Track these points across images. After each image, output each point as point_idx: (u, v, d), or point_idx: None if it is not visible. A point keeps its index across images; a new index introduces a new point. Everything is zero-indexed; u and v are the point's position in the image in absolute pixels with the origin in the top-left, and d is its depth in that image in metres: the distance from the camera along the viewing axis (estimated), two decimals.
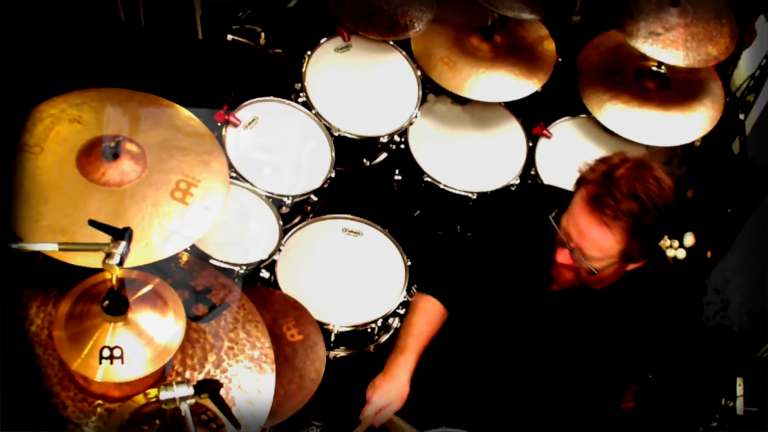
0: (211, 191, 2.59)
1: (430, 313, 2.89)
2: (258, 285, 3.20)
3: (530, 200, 3.05)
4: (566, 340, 2.68)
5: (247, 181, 3.32)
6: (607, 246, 2.48)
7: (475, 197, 3.60)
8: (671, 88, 3.75)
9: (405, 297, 3.30)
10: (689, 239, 3.88)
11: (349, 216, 3.50)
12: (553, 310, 2.73)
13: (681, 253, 3.85)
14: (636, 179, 2.44)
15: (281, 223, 3.31)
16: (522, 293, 2.80)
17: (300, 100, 3.64)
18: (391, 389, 2.73)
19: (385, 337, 3.36)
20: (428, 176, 3.63)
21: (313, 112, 3.61)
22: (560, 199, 2.63)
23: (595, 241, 2.48)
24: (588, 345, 2.66)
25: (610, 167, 2.48)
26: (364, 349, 3.32)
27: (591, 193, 2.46)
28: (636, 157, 2.52)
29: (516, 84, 3.77)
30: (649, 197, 2.42)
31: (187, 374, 2.48)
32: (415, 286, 3.38)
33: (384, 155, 3.81)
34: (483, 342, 2.88)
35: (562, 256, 2.57)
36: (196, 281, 2.75)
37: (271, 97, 3.60)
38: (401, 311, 3.31)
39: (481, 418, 2.79)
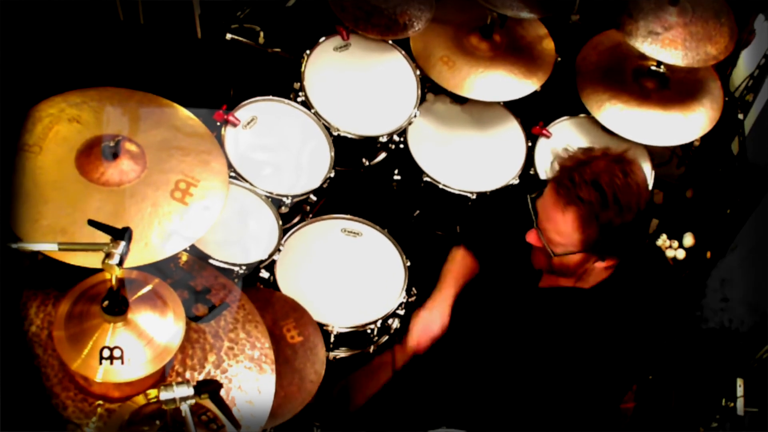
0: (211, 191, 2.59)
1: (465, 259, 3.07)
2: (258, 285, 3.20)
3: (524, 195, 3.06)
4: (554, 338, 2.68)
5: (246, 181, 3.31)
6: (565, 231, 2.49)
7: (474, 197, 3.60)
8: (670, 88, 3.75)
9: (404, 298, 3.30)
10: (688, 240, 3.88)
11: (348, 216, 3.49)
12: (541, 306, 2.73)
13: (680, 254, 3.86)
14: (604, 171, 2.43)
15: (281, 223, 3.31)
16: (511, 287, 2.82)
17: (299, 99, 3.63)
18: (431, 316, 2.96)
19: (384, 338, 3.35)
20: (427, 176, 3.62)
21: (312, 111, 3.61)
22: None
23: (554, 224, 2.51)
24: (577, 343, 2.66)
25: (589, 157, 2.49)
26: (364, 350, 3.32)
27: (557, 175, 2.48)
28: (618, 151, 2.52)
29: (515, 83, 3.77)
30: (612, 191, 2.41)
31: (187, 374, 2.48)
32: (414, 287, 3.38)
33: (383, 155, 3.80)
34: (475, 337, 2.89)
35: (531, 236, 2.60)
36: (195, 281, 2.74)
37: (270, 97, 3.59)
38: (401, 312, 3.31)
39: (478, 417, 2.79)
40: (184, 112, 2.78)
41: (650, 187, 2.57)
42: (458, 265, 3.09)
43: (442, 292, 3.02)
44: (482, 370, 2.86)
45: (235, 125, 3.41)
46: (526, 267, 2.75)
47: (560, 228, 2.50)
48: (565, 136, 3.85)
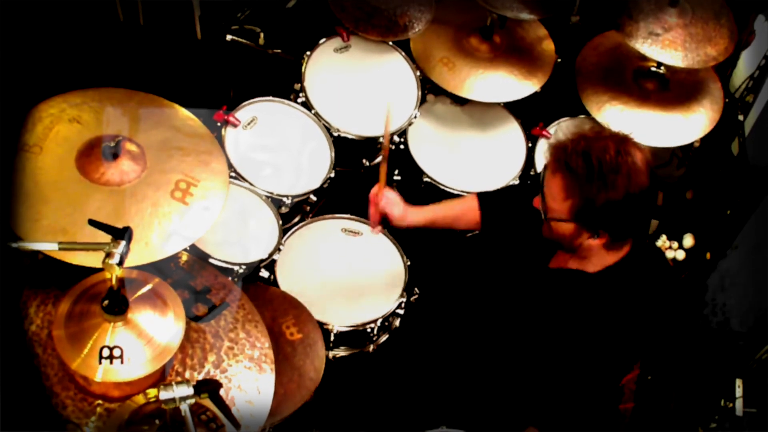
0: (211, 191, 2.59)
1: (466, 204, 3.07)
2: (257, 284, 3.20)
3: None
4: (558, 319, 2.68)
5: (246, 181, 3.32)
6: (557, 197, 2.52)
7: None
8: (670, 89, 3.76)
9: (404, 297, 3.30)
10: (688, 240, 3.88)
11: (348, 216, 3.50)
12: (546, 286, 2.74)
13: (680, 255, 3.86)
14: (599, 146, 2.44)
15: (281, 222, 3.31)
16: (522, 266, 2.83)
17: (299, 100, 3.64)
18: (398, 201, 3.00)
19: (384, 337, 3.36)
20: (428, 176, 3.63)
21: (313, 112, 3.61)
22: None
23: (549, 189, 2.54)
24: (577, 326, 2.65)
25: (595, 134, 2.51)
26: (364, 349, 3.32)
27: (556, 142, 2.52)
28: (626, 135, 2.53)
29: (515, 84, 3.77)
30: (599, 165, 2.42)
31: (187, 374, 2.48)
32: (414, 287, 3.38)
33: None
34: (481, 315, 2.90)
35: (536, 200, 2.63)
36: (195, 281, 2.75)
37: (271, 98, 3.60)
38: (401, 311, 3.31)
39: (478, 407, 2.79)
40: (184, 113, 2.78)
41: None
42: (456, 202, 3.13)
43: (421, 207, 3.06)
44: (483, 345, 2.86)
45: (235, 126, 3.42)
46: (538, 246, 2.76)
47: (553, 193, 2.53)
48: None
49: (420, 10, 3.78)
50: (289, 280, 3.24)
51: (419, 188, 3.66)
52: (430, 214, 3.07)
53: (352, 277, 3.35)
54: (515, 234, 2.87)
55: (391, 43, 3.88)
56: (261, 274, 3.21)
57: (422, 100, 3.84)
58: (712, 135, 3.73)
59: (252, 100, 3.54)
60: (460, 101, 3.90)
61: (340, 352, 3.29)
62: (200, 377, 2.48)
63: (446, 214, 3.09)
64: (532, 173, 3.74)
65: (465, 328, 2.99)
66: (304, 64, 3.71)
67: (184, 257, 2.81)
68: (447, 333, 3.01)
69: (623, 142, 2.48)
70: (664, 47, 3.52)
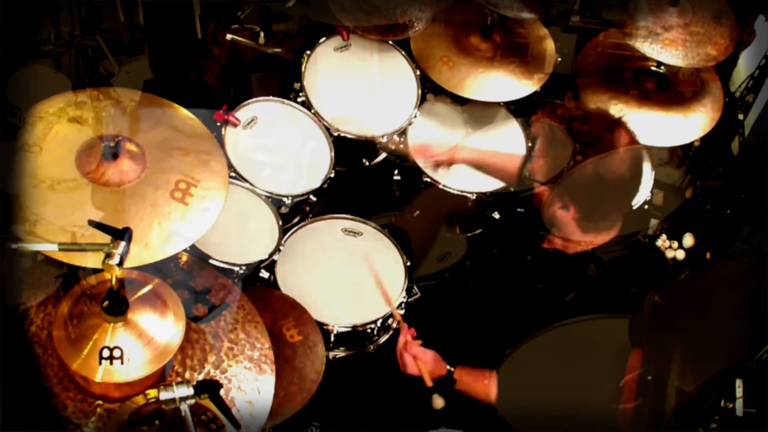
0: (211, 191, 2.59)
1: (511, 158, 3.22)
2: (257, 285, 3.20)
3: None
4: (543, 301, 2.70)
5: (246, 181, 3.32)
6: (537, 154, 2.66)
7: (474, 197, 3.60)
8: (670, 89, 3.75)
9: (404, 297, 3.30)
10: (688, 240, 3.87)
11: (348, 216, 3.49)
12: (538, 266, 2.76)
13: (680, 254, 3.85)
14: (588, 119, 2.51)
15: (281, 223, 3.31)
16: (518, 246, 2.85)
17: (299, 99, 3.63)
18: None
19: (384, 338, 3.35)
20: (427, 176, 3.62)
21: (312, 111, 3.61)
22: None
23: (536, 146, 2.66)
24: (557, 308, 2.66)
25: (595, 111, 2.54)
26: (364, 350, 3.32)
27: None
28: (624, 121, 2.55)
29: (515, 84, 3.77)
30: (577, 133, 2.54)
31: (187, 375, 2.48)
32: (415, 286, 3.38)
33: (383, 155, 3.80)
34: (480, 315, 2.92)
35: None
36: (195, 281, 2.75)
37: (270, 97, 3.59)
38: (401, 311, 3.31)
39: (478, 406, 2.80)
40: (183, 112, 2.78)
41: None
42: (502, 157, 3.29)
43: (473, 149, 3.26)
44: (482, 344, 2.87)
45: (235, 125, 3.41)
46: (538, 229, 2.78)
47: (536, 149, 2.64)
48: None
49: (420, 9, 3.77)
50: (289, 281, 3.23)
51: (419, 188, 3.65)
52: (479, 155, 3.31)
53: (352, 278, 3.34)
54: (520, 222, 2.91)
55: (391, 42, 3.87)
56: (261, 274, 3.21)
57: (422, 100, 3.84)
58: (712, 134, 3.73)
59: (252, 100, 3.54)
60: (460, 100, 3.90)
61: (340, 352, 3.29)
62: (200, 378, 2.48)
63: (492, 160, 3.30)
64: None
65: (464, 328, 3.00)
66: (304, 64, 3.70)
67: (184, 258, 2.81)
68: (446, 333, 3.01)
69: (614, 123, 2.51)
70: (665, 47, 3.52)
